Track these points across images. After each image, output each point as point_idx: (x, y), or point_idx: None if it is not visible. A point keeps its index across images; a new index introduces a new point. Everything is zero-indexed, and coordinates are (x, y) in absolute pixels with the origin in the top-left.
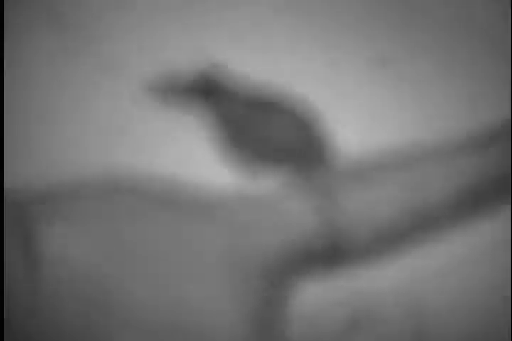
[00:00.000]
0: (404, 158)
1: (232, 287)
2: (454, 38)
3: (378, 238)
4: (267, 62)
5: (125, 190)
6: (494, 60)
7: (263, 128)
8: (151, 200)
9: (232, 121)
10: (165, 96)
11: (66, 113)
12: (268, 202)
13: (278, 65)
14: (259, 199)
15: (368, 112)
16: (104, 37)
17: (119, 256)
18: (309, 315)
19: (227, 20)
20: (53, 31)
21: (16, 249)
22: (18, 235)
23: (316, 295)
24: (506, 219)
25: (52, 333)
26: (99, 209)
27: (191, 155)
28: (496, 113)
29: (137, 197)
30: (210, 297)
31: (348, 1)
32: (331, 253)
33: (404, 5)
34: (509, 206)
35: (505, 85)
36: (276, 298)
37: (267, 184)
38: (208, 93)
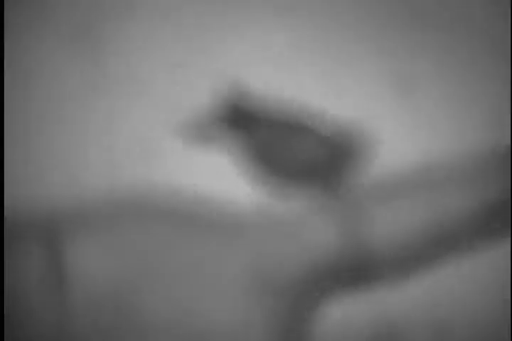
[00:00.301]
0: (428, 177)
1: (255, 305)
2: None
3: (403, 258)
4: (289, 80)
5: (147, 207)
6: None
7: (291, 148)
8: (175, 217)
9: (261, 144)
10: (196, 133)
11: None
12: (293, 221)
13: (301, 84)
14: (284, 218)
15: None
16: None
17: (144, 272)
18: (334, 333)
19: (246, 39)
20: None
21: (42, 266)
22: (44, 253)
23: (341, 314)
24: None
25: None
26: (123, 226)
27: (217, 172)
28: None
29: (161, 214)
30: (235, 312)
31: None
32: (356, 273)
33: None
34: None
35: None
36: (302, 317)
37: (293, 203)
38: (238, 121)
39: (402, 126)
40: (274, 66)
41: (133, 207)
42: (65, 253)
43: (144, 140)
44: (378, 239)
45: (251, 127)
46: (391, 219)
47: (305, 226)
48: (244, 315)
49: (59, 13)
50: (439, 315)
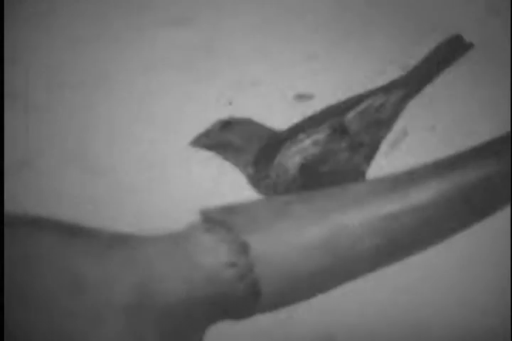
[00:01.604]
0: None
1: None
2: None
3: (295, 283)
4: None
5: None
6: None
7: None
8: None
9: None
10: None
11: None
12: (180, 239)
13: None
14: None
15: None
16: None
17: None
18: None
19: None
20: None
21: None
22: None
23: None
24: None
25: None
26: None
27: None
28: None
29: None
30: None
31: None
32: (246, 299)
33: None
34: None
35: None
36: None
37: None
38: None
39: None
40: None
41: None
42: None
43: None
44: (272, 262)
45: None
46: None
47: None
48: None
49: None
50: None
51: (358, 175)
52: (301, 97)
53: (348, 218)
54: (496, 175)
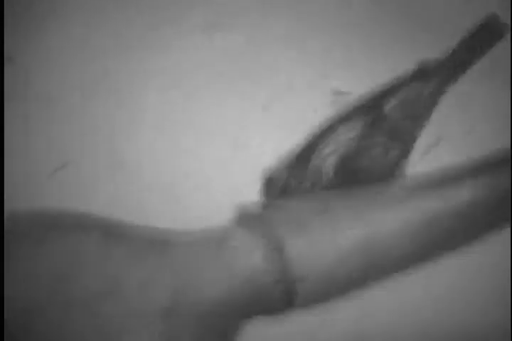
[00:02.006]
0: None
1: (177, 329)
2: None
3: (330, 283)
4: None
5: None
6: None
7: None
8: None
9: None
10: None
11: None
12: (216, 241)
13: None
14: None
15: None
16: None
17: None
18: None
19: None
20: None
21: None
22: None
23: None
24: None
25: None
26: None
27: None
28: None
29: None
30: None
31: None
32: (282, 299)
33: None
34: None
35: None
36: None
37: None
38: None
39: None
40: None
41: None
42: None
43: None
44: (306, 262)
45: None
46: (317, 242)
47: (230, 248)
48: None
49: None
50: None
51: (395, 171)
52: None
53: (385, 219)
54: None
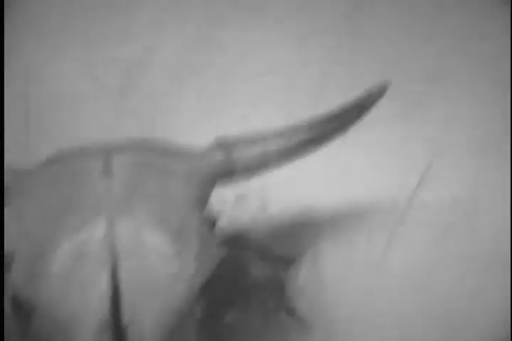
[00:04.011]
0: None
1: None
2: None
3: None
4: None
5: None
6: None
7: None
8: None
9: None
10: None
11: None
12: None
13: None
14: None
15: None
16: None
17: None
18: None
19: None
20: None
21: None
22: None
23: None
24: None
25: None
26: None
27: None
28: None
29: None
30: None
31: None
32: (226, 170)
33: None
34: None
35: None
36: None
37: None
38: None
39: None
40: None
41: None
42: None
43: None
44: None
45: None
46: None
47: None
48: None
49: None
50: None
51: None
52: None
53: None
54: None
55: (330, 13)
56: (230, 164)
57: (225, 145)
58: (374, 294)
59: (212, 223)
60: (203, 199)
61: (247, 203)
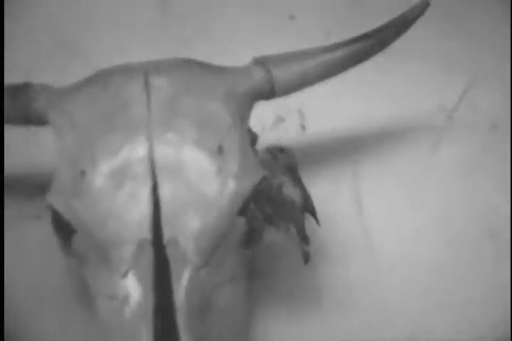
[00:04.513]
0: None
1: None
2: None
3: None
4: None
5: None
6: None
7: None
8: None
9: None
10: None
11: None
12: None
13: None
14: None
15: None
16: None
17: None
18: None
19: None
20: None
21: None
22: None
23: None
24: None
25: None
26: None
27: None
28: None
29: None
30: None
31: None
32: (268, 87)
33: None
34: None
35: None
36: None
37: None
38: None
39: None
40: None
41: None
42: None
43: None
44: None
45: None
46: None
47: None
48: None
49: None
50: None
51: None
52: None
53: None
54: None
55: None
56: (269, 81)
57: (264, 62)
58: (412, 213)
59: (252, 142)
60: (242, 117)
61: (286, 124)
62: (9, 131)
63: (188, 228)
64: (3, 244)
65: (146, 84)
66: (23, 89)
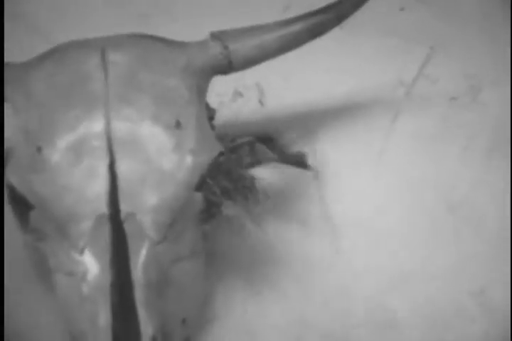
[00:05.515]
0: None
1: None
2: None
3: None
4: None
5: None
6: None
7: None
8: None
9: None
10: None
11: None
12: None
13: None
14: None
15: None
16: None
17: None
18: None
19: None
20: None
21: None
22: None
23: None
24: None
25: None
26: None
27: None
28: None
29: None
30: None
31: None
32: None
33: None
34: None
35: None
36: None
37: None
38: None
39: None
40: None
41: None
42: None
43: None
44: None
45: None
46: None
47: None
48: None
49: None
50: None
51: None
52: None
53: None
54: None
55: None
56: (226, 55)
57: (221, 37)
58: (372, 187)
59: (210, 117)
60: (200, 92)
61: (244, 98)
62: None
63: (146, 203)
64: (3, 244)
65: (103, 59)
66: None
